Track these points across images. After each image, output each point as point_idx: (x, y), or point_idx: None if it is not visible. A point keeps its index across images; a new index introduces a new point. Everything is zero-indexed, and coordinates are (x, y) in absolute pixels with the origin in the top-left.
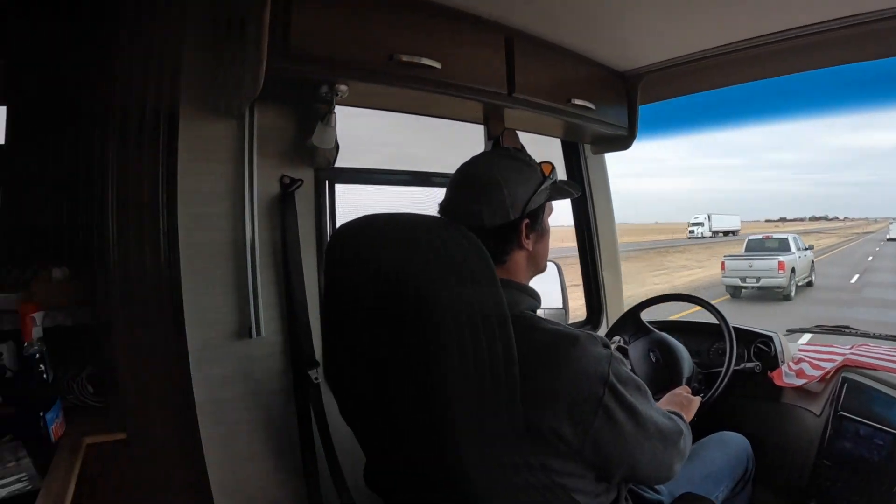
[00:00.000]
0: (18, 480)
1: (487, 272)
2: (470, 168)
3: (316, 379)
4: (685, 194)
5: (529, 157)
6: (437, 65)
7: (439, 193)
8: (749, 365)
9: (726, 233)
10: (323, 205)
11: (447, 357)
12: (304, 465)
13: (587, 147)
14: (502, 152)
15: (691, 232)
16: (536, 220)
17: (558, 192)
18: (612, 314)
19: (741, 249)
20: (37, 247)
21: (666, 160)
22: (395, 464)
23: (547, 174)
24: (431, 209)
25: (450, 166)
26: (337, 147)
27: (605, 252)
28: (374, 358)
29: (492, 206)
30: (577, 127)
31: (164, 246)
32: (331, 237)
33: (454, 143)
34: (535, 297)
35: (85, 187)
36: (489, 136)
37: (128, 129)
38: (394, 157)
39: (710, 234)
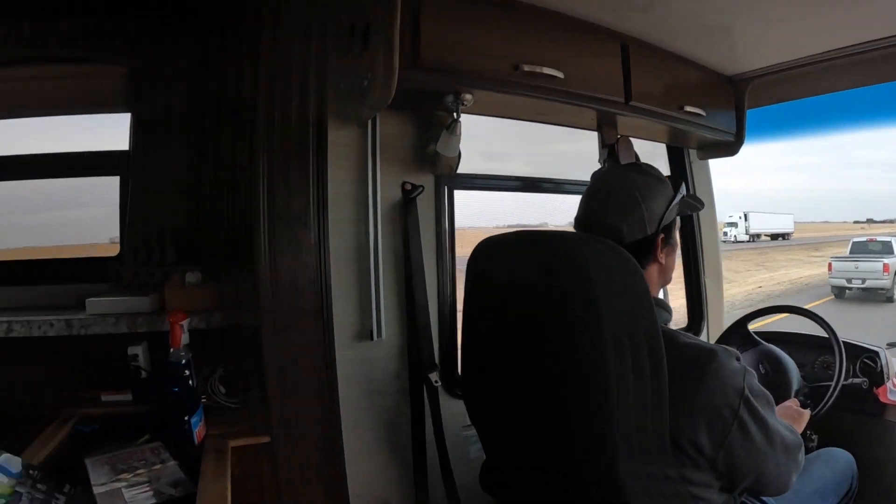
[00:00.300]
0: (170, 484)
1: (643, 287)
2: (605, 183)
3: (436, 382)
4: (773, 193)
5: (659, 171)
6: (560, 74)
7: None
8: (857, 380)
9: (774, 236)
10: (442, 210)
11: (608, 369)
12: (414, 465)
13: (692, 152)
14: (634, 167)
15: (724, 234)
16: (669, 235)
17: (687, 206)
18: (713, 322)
19: (783, 258)
20: (168, 251)
21: (750, 158)
22: (527, 468)
23: (676, 189)
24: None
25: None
26: (459, 154)
27: (707, 259)
28: (518, 365)
29: (631, 222)
30: (683, 133)
31: (315, 252)
32: (475, 249)
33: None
34: (668, 311)
35: (218, 192)
36: (603, 143)
37: (275, 136)
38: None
39: (745, 236)
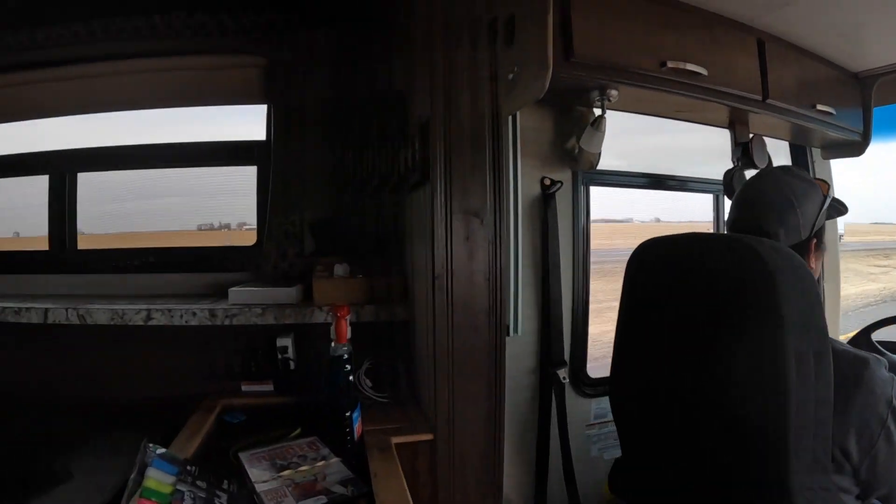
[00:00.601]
0: (339, 483)
1: (817, 294)
2: (761, 187)
3: (564, 378)
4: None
5: (809, 175)
6: (704, 71)
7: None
8: None
9: None
10: (579, 206)
11: (787, 376)
12: (537, 464)
13: (815, 151)
14: (786, 170)
15: None
16: (821, 239)
17: (834, 210)
18: (829, 327)
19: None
20: (307, 242)
21: None
22: (677, 472)
23: (825, 193)
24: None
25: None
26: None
27: (826, 262)
28: (681, 366)
29: (788, 227)
30: (808, 131)
31: (491, 248)
32: (638, 248)
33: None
34: None
35: (361, 185)
36: (735, 141)
37: (451, 129)
38: None
39: None
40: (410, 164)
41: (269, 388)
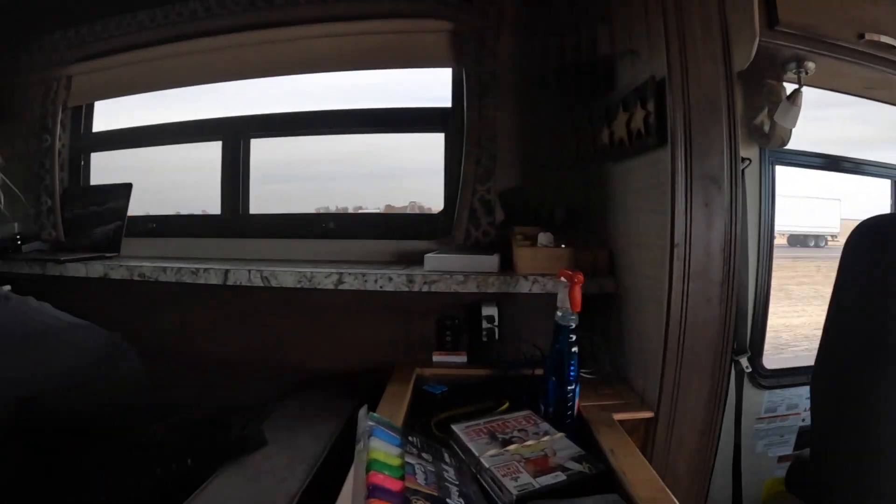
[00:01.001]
0: (573, 459)
1: None
2: None
3: (747, 368)
4: None
5: None
6: None
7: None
8: None
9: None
10: (765, 186)
11: None
12: None
13: None
14: None
15: None
16: None
17: None
18: None
19: None
20: (496, 210)
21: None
22: (870, 481)
23: None
24: None
25: None
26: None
27: None
28: None
29: None
30: None
31: (727, 216)
32: (859, 227)
33: None
34: None
35: (560, 153)
36: None
37: (688, 93)
38: None
39: None
40: (642, 128)
41: (462, 359)
